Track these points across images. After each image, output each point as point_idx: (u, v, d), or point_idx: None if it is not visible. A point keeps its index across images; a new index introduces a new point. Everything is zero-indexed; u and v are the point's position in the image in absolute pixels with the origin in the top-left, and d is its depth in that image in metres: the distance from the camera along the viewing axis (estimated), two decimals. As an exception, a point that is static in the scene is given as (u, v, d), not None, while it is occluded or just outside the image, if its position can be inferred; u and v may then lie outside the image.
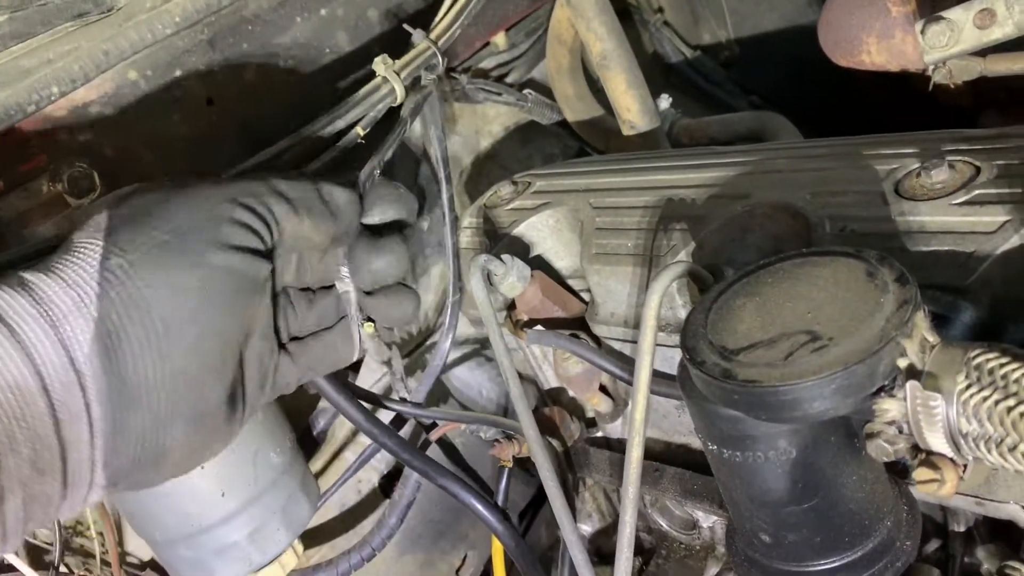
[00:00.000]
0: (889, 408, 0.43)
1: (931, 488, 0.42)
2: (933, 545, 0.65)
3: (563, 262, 0.80)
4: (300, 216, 0.56)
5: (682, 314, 0.65)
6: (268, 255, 0.54)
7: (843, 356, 0.43)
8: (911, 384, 0.42)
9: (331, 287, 0.63)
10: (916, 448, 0.44)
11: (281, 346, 0.58)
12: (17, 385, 0.43)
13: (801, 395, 0.43)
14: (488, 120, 1.08)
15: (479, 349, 1.05)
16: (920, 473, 0.42)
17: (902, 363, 0.43)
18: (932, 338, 0.43)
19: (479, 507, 0.77)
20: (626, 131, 0.90)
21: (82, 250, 0.48)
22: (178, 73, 0.77)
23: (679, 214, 0.68)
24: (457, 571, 1.04)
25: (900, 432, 0.44)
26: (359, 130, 0.75)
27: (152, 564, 0.81)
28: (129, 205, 0.51)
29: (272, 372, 0.56)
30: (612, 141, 0.98)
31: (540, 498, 1.13)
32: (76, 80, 0.72)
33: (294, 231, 0.56)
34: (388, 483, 0.96)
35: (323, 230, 0.58)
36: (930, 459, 0.42)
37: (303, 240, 0.58)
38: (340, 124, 0.74)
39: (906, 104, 0.86)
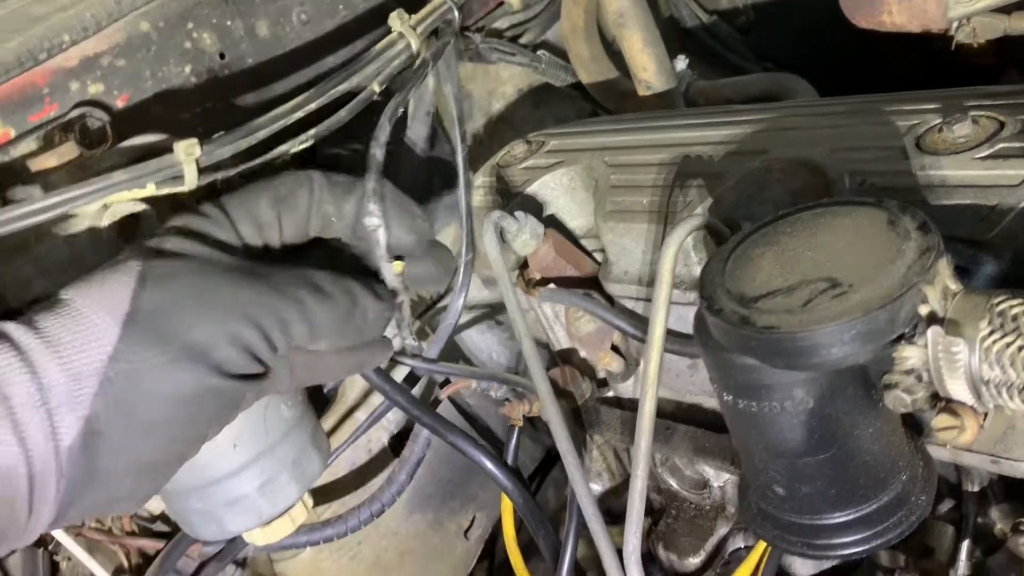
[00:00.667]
0: (909, 355, 0.43)
1: (951, 435, 0.42)
2: (947, 505, 0.64)
3: (576, 221, 0.79)
4: (318, 340, 0.57)
5: (697, 271, 0.65)
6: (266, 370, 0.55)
7: (864, 302, 0.43)
8: (933, 330, 0.41)
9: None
10: (935, 397, 0.44)
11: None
12: (8, 470, 0.45)
13: (820, 341, 0.43)
14: (501, 82, 1.07)
15: (489, 313, 1.05)
16: (940, 420, 0.42)
17: (923, 310, 0.43)
18: (954, 286, 0.43)
19: (488, 464, 0.77)
20: (642, 91, 0.89)
21: (93, 333, 0.49)
22: (190, 26, 0.77)
23: (695, 171, 0.68)
24: (466, 532, 1.04)
25: (919, 380, 0.44)
26: (375, 86, 0.74)
27: (162, 516, 0.81)
28: (154, 294, 0.51)
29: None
30: (627, 103, 0.97)
31: (548, 462, 1.14)
32: (88, 29, 0.72)
33: (305, 345, 0.56)
34: (398, 442, 0.96)
35: (339, 343, 0.59)
36: (950, 406, 0.42)
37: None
38: (355, 80, 0.73)
39: (927, 66, 0.85)
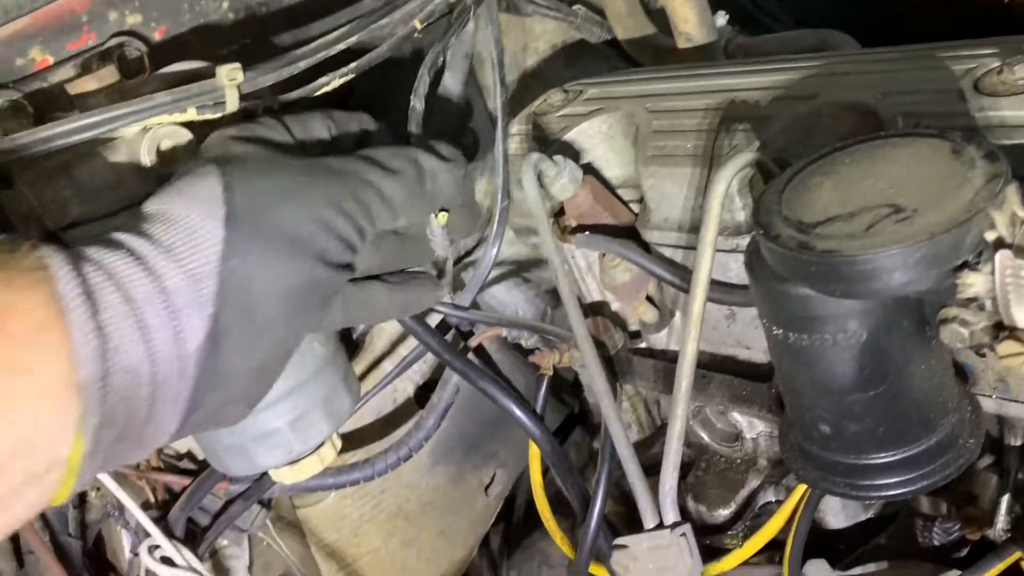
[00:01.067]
0: (973, 282, 0.42)
1: (1016, 362, 0.41)
2: (987, 460, 0.64)
3: (613, 171, 0.78)
4: (397, 217, 0.57)
5: (740, 216, 0.64)
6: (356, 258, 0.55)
7: (928, 226, 0.42)
8: (1002, 254, 0.41)
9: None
10: (997, 328, 0.43)
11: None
12: (132, 369, 0.45)
13: (883, 265, 0.42)
14: (535, 36, 1.05)
15: (515, 270, 1.04)
16: (1006, 347, 0.41)
17: (990, 236, 0.42)
18: (1023, 212, 0.42)
19: (517, 411, 0.76)
20: (682, 44, 0.88)
21: (201, 236, 0.49)
22: (229, -41, 0.76)
23: (741, 115, 0.67)
24: (486, 488, 1.04)
25: (980, 311, 0.43)
26: (416, 23, 0.73)
27: (189, 454, 0.81)
28: (244, 189, 0.51)
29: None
30: (664, 60, 0.95)
31: (568, 426, 1.13)
32: (127, -43, 0.71)
33: (388, 227, 0.58)
34: (423, 393, 0.95)
35: (415, 218, 0.60)
36: (1016, 334, 0.41)
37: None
38: (397, 16, 0.73)
39: (973, 25, 0.83)
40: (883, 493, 0.52)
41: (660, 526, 0.61)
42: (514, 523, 1.19)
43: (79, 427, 0.43)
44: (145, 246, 0.48)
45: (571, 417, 1.16)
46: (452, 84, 0.76)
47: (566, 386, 1.13)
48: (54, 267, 0.44)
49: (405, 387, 0.96)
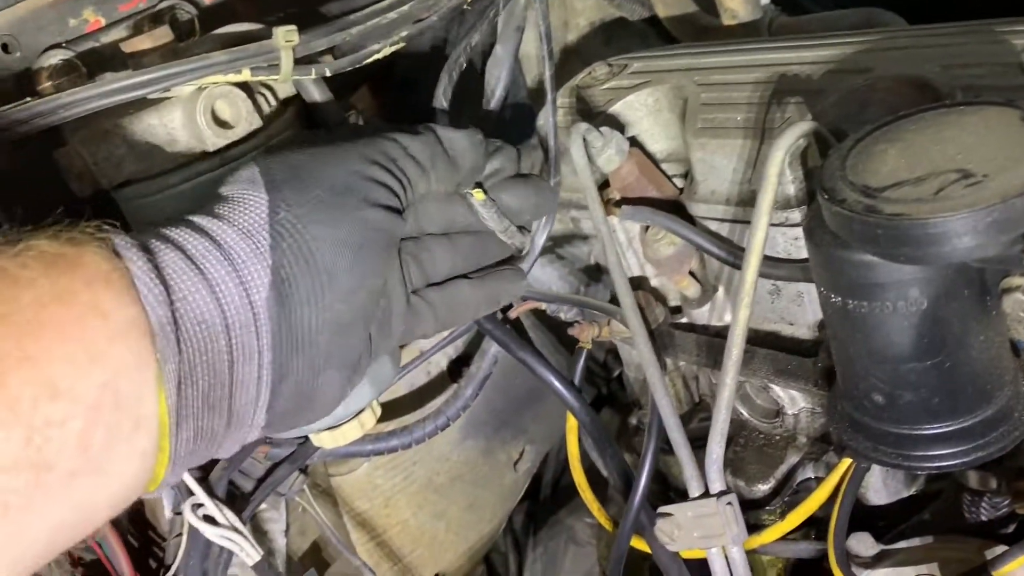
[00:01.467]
0: (1043, 249, 0.42)
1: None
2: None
3: (658, 144, 0.78)
4: (427, 176, 0.57)
5: (791, 189, 0.64)
6: (403, 213, 0.56)
7: (1000, 191, 0.42)
8: (1076, 219, 0.40)
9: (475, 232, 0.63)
10: (1063, 296, 0.43)
11: (415, 292, 0.59)
12: (203, 320, 0.45)
13: (953, 228, 0.42)
14: (576, 13, 1.05)
15: (550, 247, 1.04)
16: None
17: (1061, 203, 0.41)
18: (1095, 180, 0.42)
19: (556, 383, 0.76)
20: (727, 20, 0.88)
21: (248, 201, 0.50)
22: (275, -77, 0.76)
23: (793, 88, 0.66)
24: (515, 464, 1.05)
25: (1049, 278, 0.43)
26: (466, -8, 0.73)
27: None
28: (279, 164, 0.53)
29: (398, 316, 0.57)
30: (705, 38, 0.95)
31: (596, 404, 1.13)
32: (181, -82, 0.71)
33: (423, 189, 0.58)
34: (456, 367, 0.96)
35: (447, 181, 0.59)
36: (1085, 300, 0.41)
37: (428, 194, 0.59)
38: (447, -18, 0.72)
39: (1016, 5, 0.82)
40: (935, 464, 0.52)
41: (705, 495, 0.61)
42: (541, 500, 1.20)
43: (159, 379, 0.42)
44: (195, 216, 0.49)
45: (599, 398, 1.16)
46: (504, 55, 0.76)
47: (596, 367, 1.14)
48: (111, 233, 0.45)
49: (439, 360, 0.97)
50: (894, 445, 0.53)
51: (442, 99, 0.66)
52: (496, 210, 0.63)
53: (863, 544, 0.60)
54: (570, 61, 1.07)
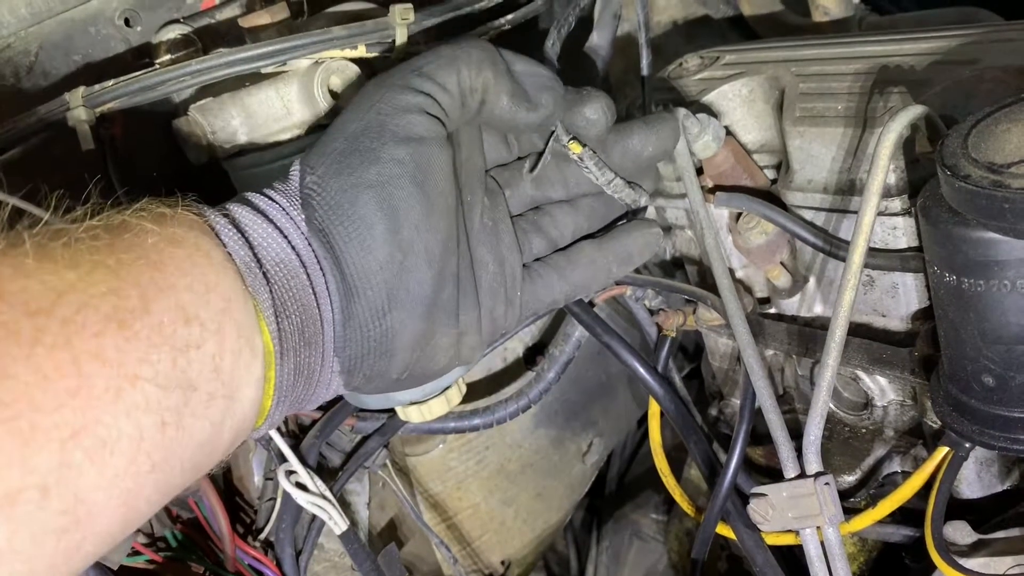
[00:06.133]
0: None
1: None
2: None
3: (751, 135, 0.78)
4: (461, 68, 0.54)
5: (892, 179, 0.64)
6: (445, 138, 0.54)
7: None
8: None
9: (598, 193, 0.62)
10: None
11: (539, 259, 0.60)
12: (281, 260, 0.49)
13: (1086, 202, 0.42)
14: (659, 10, 1.06)
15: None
16: None
17: None
18: None
19: (641, 369, 0.77)
20: (818, 17, 0.88)
21: (290, 176, 0.53)
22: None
23: (896, 79, 0.67)
24: (583, 455, 1.05)
25: None
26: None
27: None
28: (315, 150, 0.54)
29: (514, 281, 0.57)
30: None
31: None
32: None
33: (472, 97, 0.55)
34: (531, 354, 0.97)
35: (502, 80, 0.55)
36: None
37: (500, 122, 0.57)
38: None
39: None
40: (1046, 449, 0.51)
41: (801, 476, 0.61)
42: (605, 496, 1.20)
43: (256, 308, 0.46)
44: (247, 194, 0.53)
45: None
46: (600, 42, 0.77)
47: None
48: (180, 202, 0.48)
49: (515, 347, 0.98)
50: (1003, 428, 0.52)
51: (551, 52, 0.67)
52: (597, 161, 0.61)
53: (960, 532, 0.59)
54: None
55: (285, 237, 0.49)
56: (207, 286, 0.44)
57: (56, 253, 0.39)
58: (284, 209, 0.51)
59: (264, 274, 0.47)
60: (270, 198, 0.52)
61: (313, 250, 0.50)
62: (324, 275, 0.50)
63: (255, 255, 0.48)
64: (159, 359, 0.40)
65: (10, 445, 0.34)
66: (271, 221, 0.50)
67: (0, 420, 0.34)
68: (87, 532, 0.37)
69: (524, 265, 0.59)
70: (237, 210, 0.50)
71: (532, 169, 0.60)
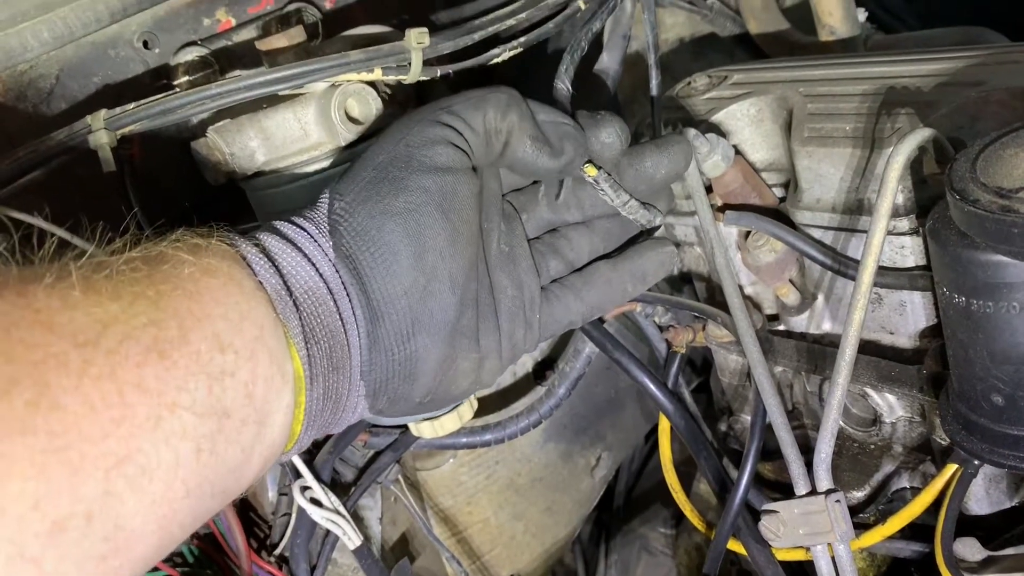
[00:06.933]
0: None
1: None
2: None
3: (759, 154, 0.80)
4: (484, 109, 0.56)
5: (900, 199, 0.65)
6: (470, 170, 0.56)
7: None
8: None
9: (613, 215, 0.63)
10: None
11: (556, 281, 0.61)
12: (310, 288, 0.50)
13: (1093, 228, 0.43)
14: (665, 28, 1.08)
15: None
16: None
17: None
18: None
19: (651, 385, 0.78)
20: (824, 36, 0.89)
21: (319, 203, 0.55)
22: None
23: (903, 100, 0.68)
24: (592, 470, 1.06)
25: None
26: (580, 3, 0.76)
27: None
28: (344, 178, 0.56)
29: (532, 304, 0.58)
30: (798, 55, 0.97)
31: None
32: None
33: (497, 138, 0.56)
34: (540, 368, 0.98)
35: (525, 122, 0.57)
36: None
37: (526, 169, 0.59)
38: (561, -7, 0.75)
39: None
40: (1055, 467, 0.52)
41: (812, 493, 0.62)
42: (614, 510, 1.21)
43: (287, 335, 0.48)
44: (275, 222, 0.54)
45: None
46: (610, 63, 0.78)
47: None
48: (214, 233, 0.50)
49: (524, 362, 0.99)
50: (1012, 447, 0.53)
51: (564, 79, 0.68)
52: (612, 184, 0.62)
53: (970, 549, 0.60)
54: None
55: (313, 265, 0.51)
56: (241, 315, 0.45)
57: (100, 285, 0.40)
58: (312, 236, 0.52)
59: (294, 302, 0.49)
60: (298, 226, 0.53)
61: (340, 276, 0.51)
62: (351, 300, 0.51)
63: (285, 283, 0.49)
64: (196, 387, 0.41)
65: (60, 474, 0.35)
66: (299, 249, 0.51)
67: (52, 450, 0.35)
68: (125, 558, 0.38)
69: (542, 287, 0.60)
70: (267, 239, 0.51)
71: (557, 196, 0.62)
